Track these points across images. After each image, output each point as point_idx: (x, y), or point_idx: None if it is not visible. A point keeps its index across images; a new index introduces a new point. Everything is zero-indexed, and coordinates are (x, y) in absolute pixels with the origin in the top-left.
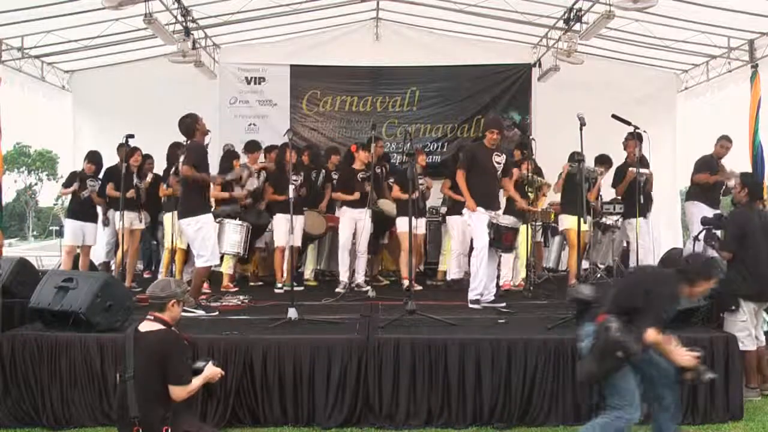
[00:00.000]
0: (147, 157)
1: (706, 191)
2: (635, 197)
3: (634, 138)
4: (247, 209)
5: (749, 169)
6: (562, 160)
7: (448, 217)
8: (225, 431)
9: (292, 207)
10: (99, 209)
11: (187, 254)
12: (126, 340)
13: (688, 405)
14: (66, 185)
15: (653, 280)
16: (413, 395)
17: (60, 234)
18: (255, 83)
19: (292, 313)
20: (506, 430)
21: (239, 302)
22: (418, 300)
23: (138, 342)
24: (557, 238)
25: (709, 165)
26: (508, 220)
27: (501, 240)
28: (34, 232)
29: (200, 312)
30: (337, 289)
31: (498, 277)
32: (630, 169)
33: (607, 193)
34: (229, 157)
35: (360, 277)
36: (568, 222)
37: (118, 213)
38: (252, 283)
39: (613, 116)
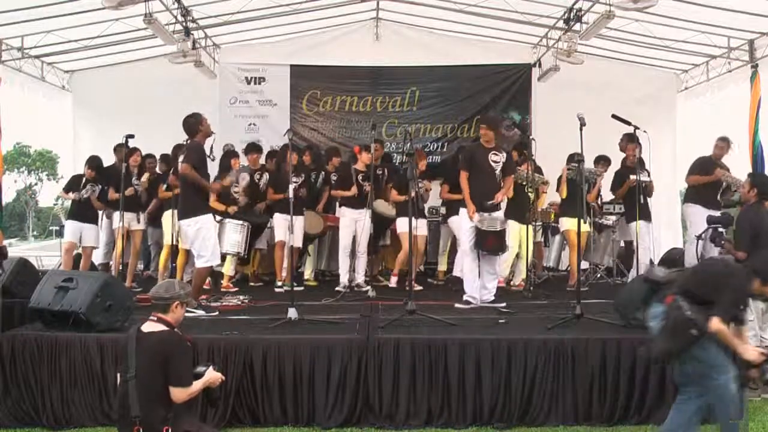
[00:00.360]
0: (148, 157)
1: (701, 193)
2: (635, 200)
3: (635, 141)
4: (246, 209)
5: (749, 169)
6: (562, 160)
7: (449, 219)
8: (225, 431)
9: (292, 207)
10: (100, 213)
11: (188, 254)
12: (128, 340)
13: None
14: (67, 189)
15: (728, 272)
16: (413, 395)
17: (60, 234)
18: (255, 83)
19: (292, 313)
20: (506, 430)
21: (239, 302)
22: (418, 300)
23: (141, 342)
24: (557, 238)
25: (702, 166)
26: (494, 223)
27: (483, 243)
28: (34, 232)
29: (200, 312)
30: (336, 288)
31: None
32: (631, 177)
33: (607, 193)
34: (227, 156)
35: (360, 277)
36: (568, 224)
37: (116, 213)
38: (252, 283)
39: (613, 116)
